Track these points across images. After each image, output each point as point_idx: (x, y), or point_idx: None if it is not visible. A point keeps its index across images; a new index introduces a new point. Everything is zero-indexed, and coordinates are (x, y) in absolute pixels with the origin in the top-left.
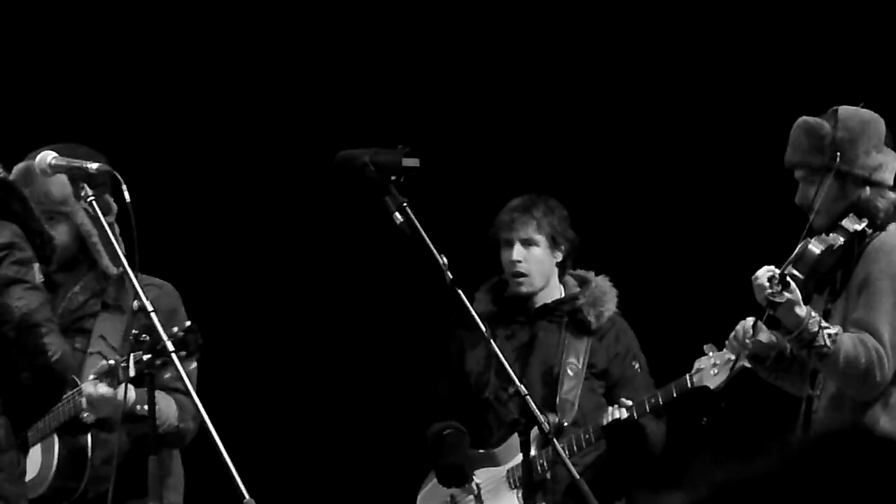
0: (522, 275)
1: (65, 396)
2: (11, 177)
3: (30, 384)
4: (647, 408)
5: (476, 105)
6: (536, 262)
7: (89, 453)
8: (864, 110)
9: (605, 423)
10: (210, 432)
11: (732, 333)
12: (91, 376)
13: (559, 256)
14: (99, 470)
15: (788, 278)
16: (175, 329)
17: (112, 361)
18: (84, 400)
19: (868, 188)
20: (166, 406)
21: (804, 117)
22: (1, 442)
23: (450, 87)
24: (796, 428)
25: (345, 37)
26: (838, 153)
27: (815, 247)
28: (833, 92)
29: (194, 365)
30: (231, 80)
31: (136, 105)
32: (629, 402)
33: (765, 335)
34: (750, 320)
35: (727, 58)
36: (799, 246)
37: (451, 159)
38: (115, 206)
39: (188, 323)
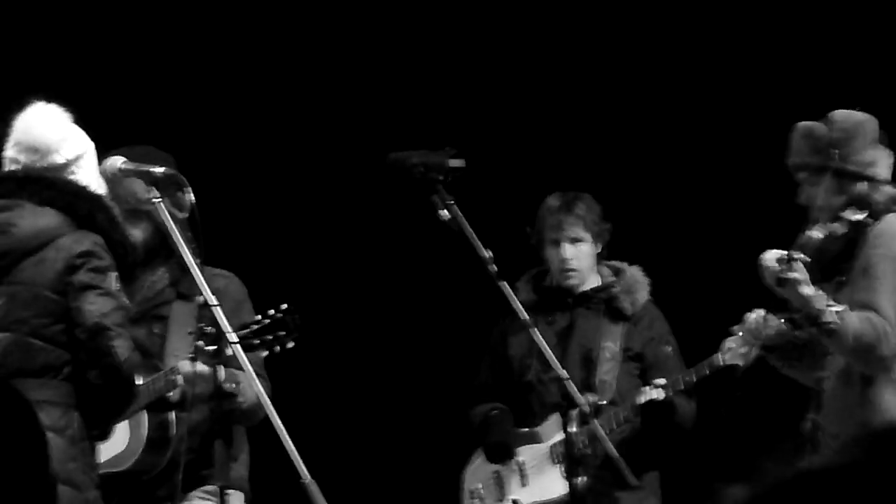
0: (573, 270)
1: (156, 375)
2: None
3: (98, 383)
4: (682, 385)
5: (507, 105)
6: (585, 258)
7: (173, 430)
8: (858, 112)
9: (640, 402)
10: (272, 415)
11: (744, 324)
12: (188, 355)
13: (599, 248)
14: (178, 446)
15: (793, 259)
16: (272, 311)
17: (201, 343)
18: (180, 377)
19: (864, 183)
20: (248, 385)
21: (802, 122)
22: (75, 434)
23: (485, 92)
24: (811, 411)
25: (388, 44)
26: (835, 152)
27: (817, 232)
28: (847, 86)
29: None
30: (285, 86)
31: (197, 108)
32: (663, 381)
33: (774, 324)
34: (760, 311)
35: (753, 57)
36: (802, 234)
37: (488, 159)
38: (188, 204)
39: (284, 305)
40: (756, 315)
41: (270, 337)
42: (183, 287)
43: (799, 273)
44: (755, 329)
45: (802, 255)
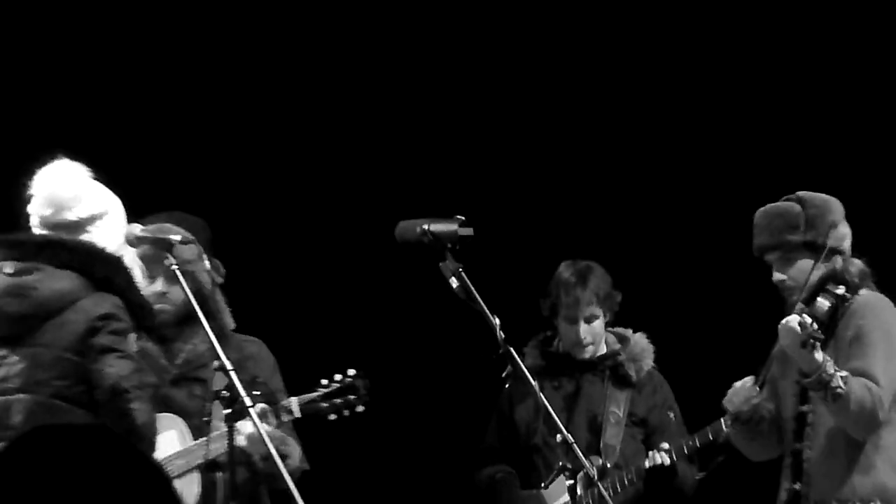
0: (589, 344)
1: (212, 435)
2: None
3: None
4: (685, 451)
5: (512, 175)
6: (598, 332)
7: (219, 491)
8: (820, 193)
9: (646, 466)
10: (287, 477)
11: (731, 391)
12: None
13: (608, 318)
14: None
15: (814, 327)
16: (340, 376)
17: (265, 405)
18: (243, 437)
19: (839, 258)
20: (293, 448)
21: (766, 206)
22: None
23: (491, 161)
24: (787, 479)
25: (401, 114)
26: (812, 229)
27: (825, 302)
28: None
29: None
30: (298, 151)
31: (216, 178)
32: (667, 446)
33: (756, 398)
34: (749, 379)
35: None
36: (803, 304)
37: (496, 227)
38: (222, 270)
39: (353, 371)
40: (745, 382)
41: (340, 401)
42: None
43: (819, 341)
44: (744, 395)
45: (814, 322)
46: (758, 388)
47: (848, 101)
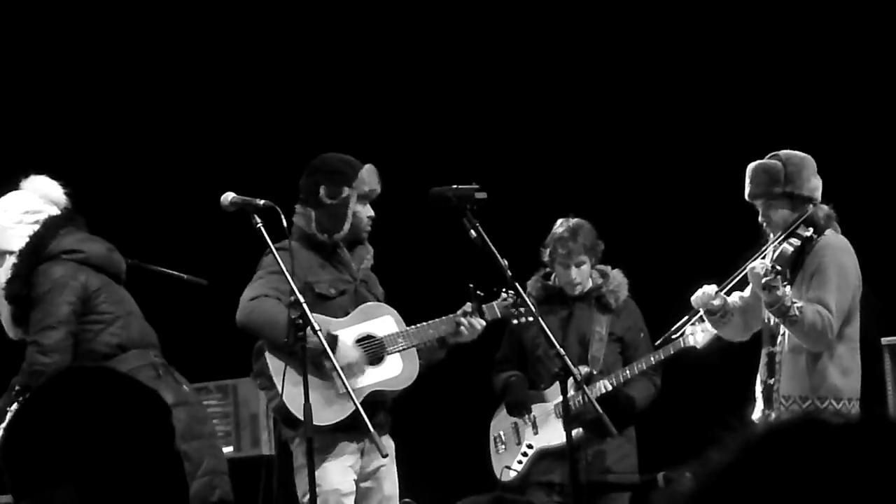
0: (578, 284)
1: (439, 319)
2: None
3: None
4: (653, 363)
5: (516, 149)
6: (585, 274)
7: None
8: (797, 151)
9: (595, 396)
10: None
11: (698, 292)
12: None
13: (594, 262)
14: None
15: (776, 270)
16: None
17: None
18: (464, 323)
19: (811, 205)
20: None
21: (756, 162)
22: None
23: (499, 139)
24: (762, 374)
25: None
26: (790, 182)
27: (788, 247)
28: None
29: None
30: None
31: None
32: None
33: (719, 299)
34: (711, 286)
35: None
36: (772, 247)
37: (504, 191)
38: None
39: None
40: (707, 288)
41: (524, 309)
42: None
43: (780, 281)
44: (706, 297)
45: (780, 266)
46: (716, 289)
47: (818, 77)
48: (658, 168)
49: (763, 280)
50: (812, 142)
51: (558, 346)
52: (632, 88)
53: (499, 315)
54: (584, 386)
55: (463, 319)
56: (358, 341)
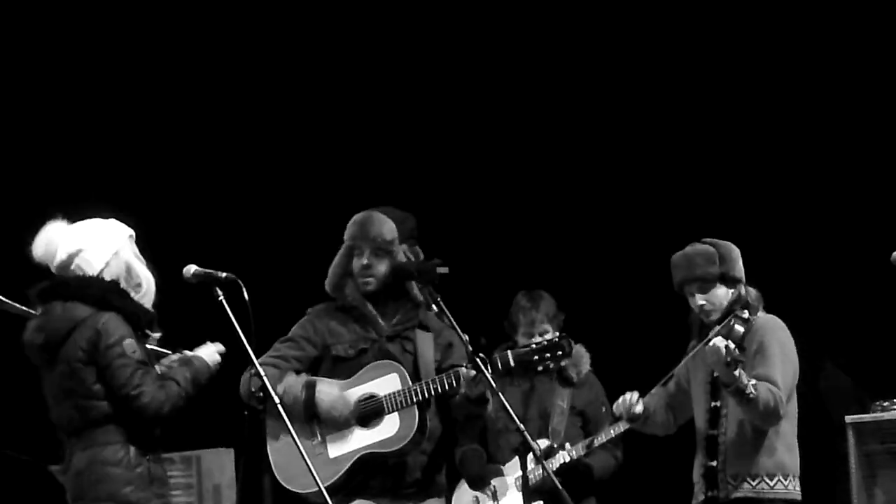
0: None
1: (438, 376)
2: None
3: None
4: (612, 436)
5: (479, 226)
6: None
7: (428, 422)
8: (720, 240)
9: (556, 466)
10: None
11: (620, 400)
12: (465, 365)
13: (555, 332)
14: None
15: (735, 349)
16: (549, 336)
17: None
18: (463, 380)
19: (742, 286)
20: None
21: (684, 249)
22: (130, 462)
23: (464, 215)
24: (703, 457)
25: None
26: (725, 263)
27: (739, 328)
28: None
29: None
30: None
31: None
32: (568, 446)
33: (639, 406)
34: (634, 394)
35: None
36: (716, 332)
37: (468, 266)
38: (421, 255)
39: (557, 333)
40: (629, 396)
41: (549, 355)
42: (427, 320)
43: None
44: (629, 405)
45: (736, 345)
46: (637, 396)
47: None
48: (617, 244)
49: (728, 358)
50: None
51: (518, 423)
52: (594, 163)
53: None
54: (544, 460)
55: (462, 378)
56: (358, 402)
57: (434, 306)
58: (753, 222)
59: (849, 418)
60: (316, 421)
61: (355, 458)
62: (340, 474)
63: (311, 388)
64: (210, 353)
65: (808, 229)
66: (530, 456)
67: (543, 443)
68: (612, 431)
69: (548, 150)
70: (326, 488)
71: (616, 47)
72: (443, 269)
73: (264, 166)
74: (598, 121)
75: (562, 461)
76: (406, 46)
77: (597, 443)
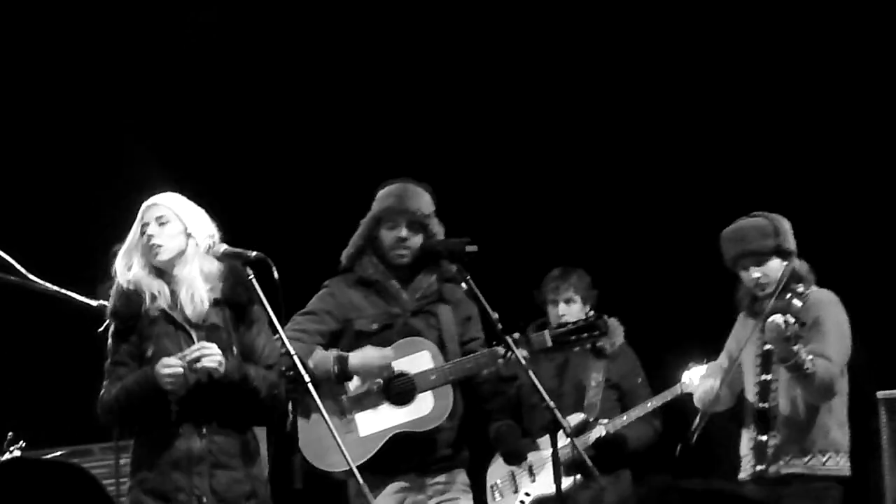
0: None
1: (476, 354)
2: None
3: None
4: (650, 409)
5: (513, 200)
6: (574, 314)
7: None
8: (771, 213)
9: (592, 441)
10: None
11: (700, 392)
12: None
13: (588, 308)
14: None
15: (795, 324)
16: (586, 315)
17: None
18: (501, 361)
19: (796, 259)
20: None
21: (736, 223)
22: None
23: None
24: (752, 430)
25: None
26: (779, 236)
27: (797, 302)
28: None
29: None
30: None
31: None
32: (605, 421)
33: (723, 390)
34: (716, 383)
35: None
36: (774, 306)
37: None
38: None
39: (592, 312)
40: (704, 388)
41: (585, 335)
42: (445, 292)
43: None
44: (708, 395)
45: (796, 319)
46: (717, 386)
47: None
48: (655, 217)
49: (787, 333)
50: (785, 203)
51: (548, 400)
52: (632, 140)
53: None
54: (577, 435)
55: (500, 358)
56: (390, 380)
57: (464, 284)
58: (775, 195)
59: (880, 394)
60: (347, 398)
61: (387, 437)
62: (372, 454)
63: (342, 361)
64: (158, 370)
65: (839, 200)
66: (560, 433)
67: (577, 417)
68: (648, 405)
69: (583, 122)
70: (357, 466)
71: (658, 12)
72: (472, 248)
73: (288, 146)
74: (637, 91)
75: (598, 435)
76: (437, 16)
77: (634, 415)
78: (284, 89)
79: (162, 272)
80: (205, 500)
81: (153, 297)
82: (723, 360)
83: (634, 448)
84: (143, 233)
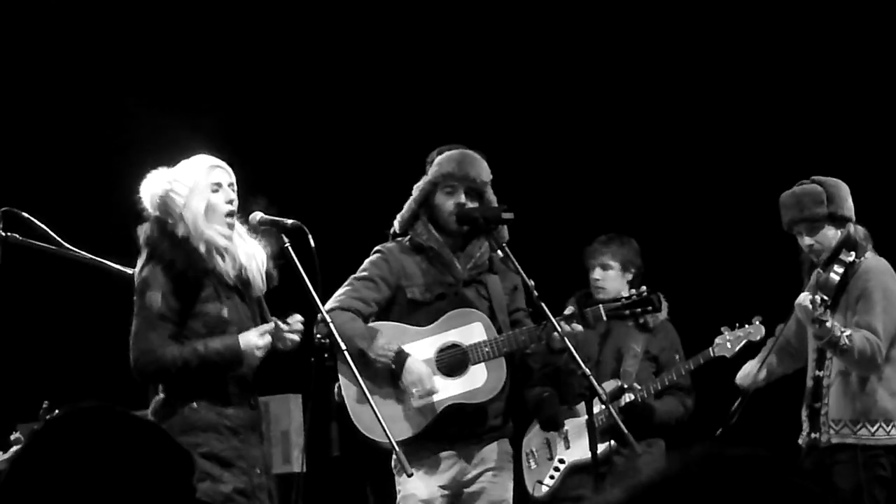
0: (600, 289)
1: (525, 328)
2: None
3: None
4: (683, 373)
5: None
6: (611, 280)
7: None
8: (828, 177)
9: (621, 404)
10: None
11: (742, 373)
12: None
13: (629, 277)
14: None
15: (824, 302)
16: (642, 289)
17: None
18: (557, 335)
19: (851, 225)
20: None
21: (791, 189)
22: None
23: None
24: (809, 398)
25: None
26: (833, 203)
27: (834, 277)
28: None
29: None
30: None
31: None
32: (639, 387)
33: (762, 374)
34: (755, 365)
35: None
36: (817, 277)
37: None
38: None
39: (644, 288)
40: (748, 370)
41: (639, 309)
42: (494, 262)
43: (828, 314)
44: (750, 381)
45: (826, 298)
46: (757, 366)
47: (838, 102)
48: (704, 197)
49: (814, 315)
50: (839, 167)
51: (585, 368)
52: (678, 119)
53: None
54: (611, 402)
55: (566, 326)
56: (441, 351)
57: (500, 252)
58: (851, 159)
59: None
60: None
61: (441, 408)
62: (426, 425)
63: (401, 362)
64: (253, 341)
65: None
66: (596, 400)
67: (614, 383)
68: (682, 369)
69: (632, 90)
70: (409, 437)
71: None
72: (508, 215)
73: (328, 113)
74: (688, 56)
75: (628, 400)
76: None
77: (667, 380)
78: (322, 52)
79: (229, 238)
80: (258, 470)
81: (231, 263)
82: (786, 332)
83: (662, 421)
84: (215, 191)
